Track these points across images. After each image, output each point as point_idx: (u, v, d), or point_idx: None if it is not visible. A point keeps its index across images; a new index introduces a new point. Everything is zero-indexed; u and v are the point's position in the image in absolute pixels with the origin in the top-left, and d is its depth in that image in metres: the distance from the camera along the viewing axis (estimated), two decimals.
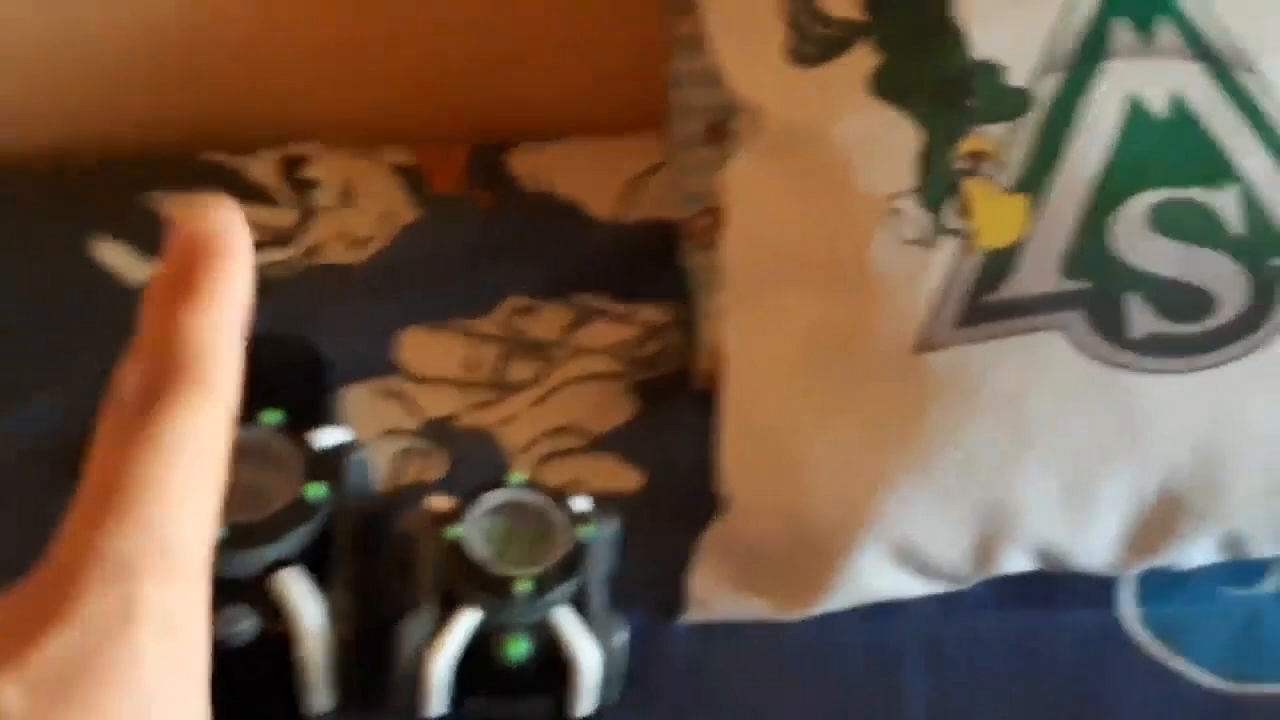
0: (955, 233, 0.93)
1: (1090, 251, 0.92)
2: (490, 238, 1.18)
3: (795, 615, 0.96)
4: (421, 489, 1.03)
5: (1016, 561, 0.95)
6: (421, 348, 1.11)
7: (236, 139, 1.24)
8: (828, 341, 0.96)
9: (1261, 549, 0.95)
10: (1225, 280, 0.91)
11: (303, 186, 1.21)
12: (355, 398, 1.08)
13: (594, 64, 1.25)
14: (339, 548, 0.92)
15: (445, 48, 1.25)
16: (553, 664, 0.90)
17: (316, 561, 0.91)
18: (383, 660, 0.93)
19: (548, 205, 1.20)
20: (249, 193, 1.20)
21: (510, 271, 1.15)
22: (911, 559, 0.94)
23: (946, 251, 0.93)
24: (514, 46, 1.25)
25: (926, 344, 0.92)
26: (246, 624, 0.90)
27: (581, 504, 0.92)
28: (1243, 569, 0.98)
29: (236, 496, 0.89)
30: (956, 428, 0.92)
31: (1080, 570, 0.95)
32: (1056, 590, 0.97)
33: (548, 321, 1.13)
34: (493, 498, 0.92)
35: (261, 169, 1.22)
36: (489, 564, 0.89)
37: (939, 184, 0.94)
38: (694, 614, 0.97)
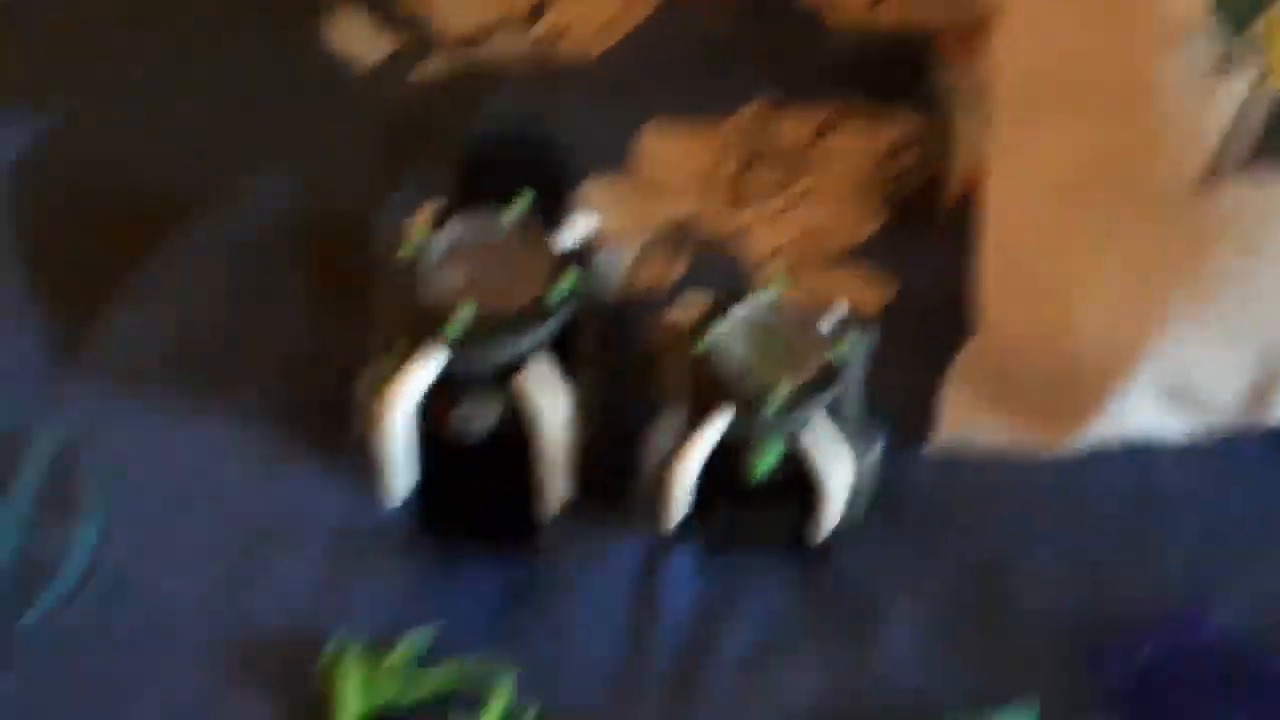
0: (1252, 65, 0.87)
1: None
2: (735, 33, 1.13)
3: (1052, 446, 0.93)
4: (661, 292, 1.00)
5: None
6: (662, 146, 1.07)
7: None
8: (1103, 170, 0.91)
9: None
10: None
11: None
12: (592, 194, 1.05)
13: None
14: (583, 347, 0.90)
15: None
16: (799, 480, 0.88)
17: (559, 360, 0.89)
18: (619, 467, 0.91)
19: (798, 2, 1.15)
20: None
21: (756, 71, 1.10)
22: (1182, 398, 0.90)
23: (1241, 84, 0.87)
24: None
25: (1213, 180, 0.87)
26: (486, 418, 0.89)
27: (836, 317, 0.89)
28: None
29: (481, 289, 0.88)
30: (1241, 267, 0.87)
31: None
32: None
33: (793, 128, 1.08)
34: (745, 308, 0.89)
35: None
36: (741, 377, 0.86)
37: (1239, 9, 0.88)
38: (944, 435, 0.94)
